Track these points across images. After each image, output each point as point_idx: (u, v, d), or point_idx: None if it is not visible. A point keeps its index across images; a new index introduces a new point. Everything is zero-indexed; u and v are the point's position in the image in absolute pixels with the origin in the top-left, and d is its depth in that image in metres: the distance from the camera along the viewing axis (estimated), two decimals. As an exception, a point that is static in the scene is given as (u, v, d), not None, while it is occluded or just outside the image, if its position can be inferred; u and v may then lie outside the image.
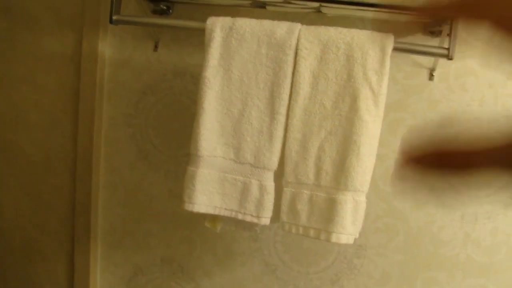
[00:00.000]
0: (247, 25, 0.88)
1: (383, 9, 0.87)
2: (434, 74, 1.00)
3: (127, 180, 1.18)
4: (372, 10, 0.89)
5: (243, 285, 1.17)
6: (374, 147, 0.86)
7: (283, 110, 0.87)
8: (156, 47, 1.11)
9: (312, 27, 0.87)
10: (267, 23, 0.88)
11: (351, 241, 0.87)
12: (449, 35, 0.86)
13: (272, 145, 0.87)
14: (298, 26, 0.87)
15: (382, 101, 0.84)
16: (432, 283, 1.09)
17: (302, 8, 0.96)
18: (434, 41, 0.99)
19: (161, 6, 1.06)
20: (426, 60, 1.01)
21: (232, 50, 0.88)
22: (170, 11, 1.08)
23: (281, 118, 0.87)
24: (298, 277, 1.14)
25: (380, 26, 1.00)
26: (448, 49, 0.85)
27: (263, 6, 0.99)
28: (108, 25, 1.10)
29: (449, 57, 0.85)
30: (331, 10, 0.95)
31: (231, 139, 0.89)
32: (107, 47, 1.13)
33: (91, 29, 1.12)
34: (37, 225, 1.25)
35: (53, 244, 1.25)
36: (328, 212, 0.85)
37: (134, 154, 1.16)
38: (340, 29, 0.86)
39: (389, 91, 0.86)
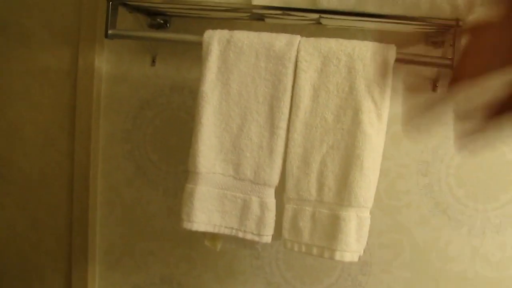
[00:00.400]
0: (245, 38, 0.86)
1: (384, 20, 0.85)
2: (437, 85, 0.98)
3: (125, 197, 1.15)
4: (373, 21, 0.87)
5: (245, 304, 1.13)
6: (377, 161, 0.84)
7: (283, 124, 0.84)
8: (153, 61, 1.09)
9: (312, 39, 0.85)
10: (265, 36, 0.86)
11: (355, 259, 0.84)
12: (452, 45, 0.84)
13: (273, 161, 0.85)
14: (297, 38, 0.85)
15: (385, 114, 0.82)
16: (440, 300, 1.05)
17: (301, 19, 0.94)
18: (437, 52, 0.97)
19: (158, 20, 1.04)
20: (429, 71, 0.99)
21: (230, 64, 0.86)
22: (167, 25, 1.06)
23: (281, 133, 0.84)
24: (302, 295, 1.10)
25: (381, 37, 0.98)
26: (451, 59, 0.83)
27: (261, 18, 0.97)
28: (104, 40, 1.08)
29: (453, 67, 0.83)
30: (331, 21, 0.93)
31: (230, 155, 0.87)
32: (103, 62, 1.12)
33: (87, 44, 1.10)
34: (33, 244, 1.22)
35: (49, 263, 1.22)
36: (332, 229, 0.83)
37: (132, 170, 1.14)
38: (341, 40, 0.84)
39: (392, 103, 0.84)
